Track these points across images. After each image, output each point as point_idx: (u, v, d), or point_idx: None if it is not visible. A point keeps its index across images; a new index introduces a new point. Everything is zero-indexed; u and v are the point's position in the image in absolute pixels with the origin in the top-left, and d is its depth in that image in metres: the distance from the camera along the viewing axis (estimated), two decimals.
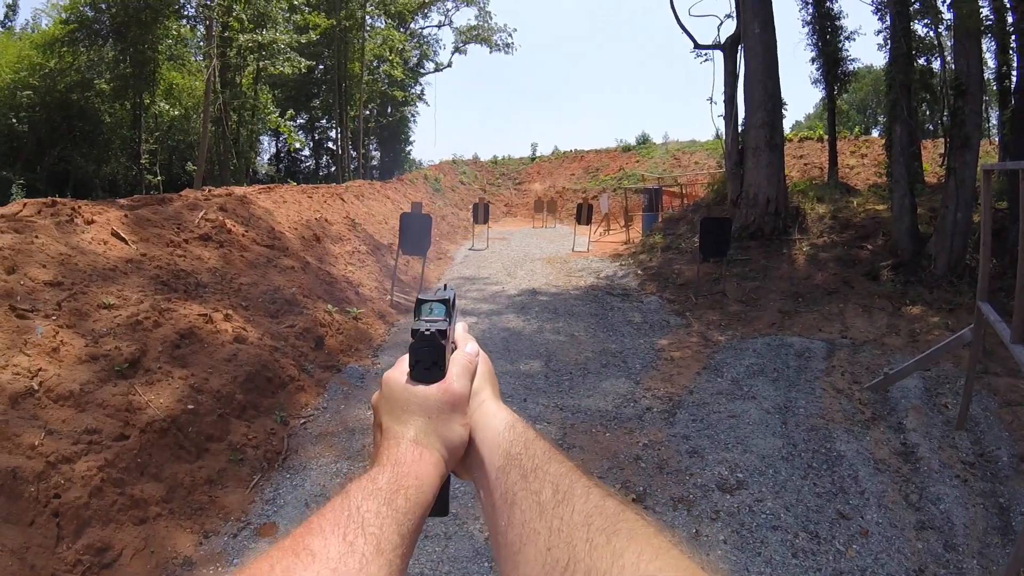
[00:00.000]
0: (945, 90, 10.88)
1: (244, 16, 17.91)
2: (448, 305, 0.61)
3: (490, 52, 32.71)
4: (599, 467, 4.00)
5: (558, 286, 10.10)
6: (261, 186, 11.17)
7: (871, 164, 17.28)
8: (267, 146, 32.36)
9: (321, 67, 27.32)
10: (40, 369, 3.38)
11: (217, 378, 4.30)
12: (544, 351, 6.44)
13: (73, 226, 5.01)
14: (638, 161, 27.81)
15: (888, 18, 9.58)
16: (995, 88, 11.05)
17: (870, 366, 5.69)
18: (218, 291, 5.66)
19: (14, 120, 18.32)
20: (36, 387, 3.26)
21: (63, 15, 18.39)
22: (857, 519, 3.38)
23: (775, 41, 10.66)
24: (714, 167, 20.58)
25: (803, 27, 14.68)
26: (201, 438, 3.79)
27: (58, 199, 5.33)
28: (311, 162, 35.07)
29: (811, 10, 14.28)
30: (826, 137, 16.82)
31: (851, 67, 14.38)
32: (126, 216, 5.78)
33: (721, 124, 12.55)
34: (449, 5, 31.93)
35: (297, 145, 30.76)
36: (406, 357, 0.58)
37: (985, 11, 9.03)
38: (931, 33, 11.27)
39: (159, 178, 20.63)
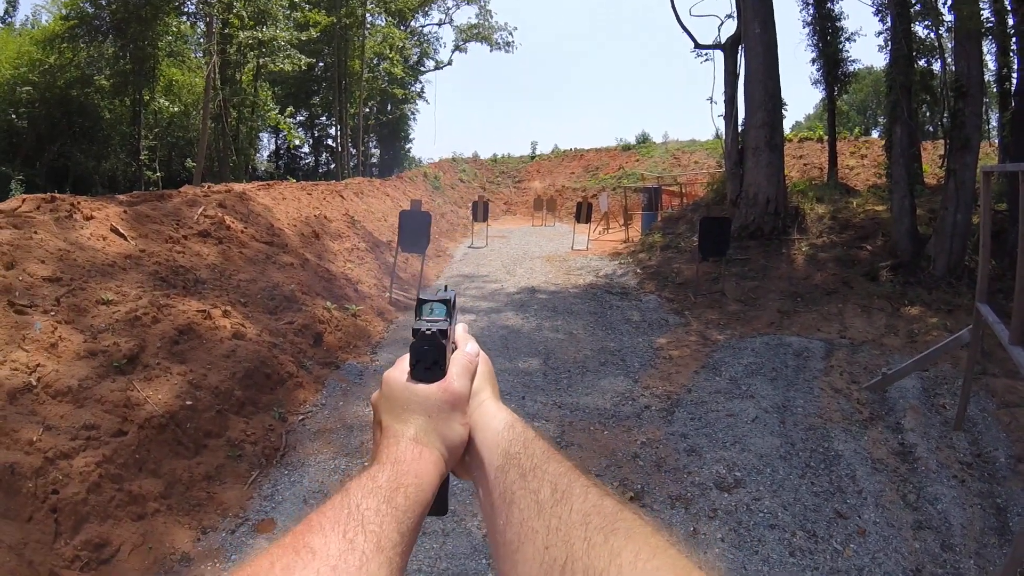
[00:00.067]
0: (945, 92, 10.88)
1: (244, 13, 17.88)
2: (449, 305, 0.61)
3: (490, 50, 32.74)
4: (597, 465, 4.01)
5: (557, 284, 10.10)
6: (260, 183, 11.17)
7: (871, 165, 17.29)
8: (267, 143, 32.35)
9: (321, 64, 27.26)
10: (38, 365, 3.38)
11: (216, 374, 4.30)
12: (543, 349, 6.44)
13: (72, 222, 5.01)
14: (638, 160, 27.80)
15: (889, 19, 9.59)
16: (995, 90, 11.07)
17: (868, 366, 5.70)
18: (217, 287, 5.65)
19: (14, 116, 18.27)
20: (34, 383, 3.26)
21: (63, 11, 18.35)
22: (854, 518, 3.39)
23: (775, 41, 10.66)
24: (714, 167, 20.58)
25: (803, 28, 14.72)
26: (199, 434, 3.79)
27: (57, 195, 5.32)
28: (310, 159, 35.03)
29: (812, 11, 14.29)
30: (826, 138, 16.83)
31: (851, 68, 14.40)
32: (125, 212, 5.78)
33: (721, 124, 12.55)
34: (450, 3, 31.95)
35: (297, 142, 30.81)
36: (406, 356, 0.58)
37: (986, 13, 9.04)
38: (932, 35, 11.28)
39: (158, 174, 20.61)
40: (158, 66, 19.97)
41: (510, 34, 32.31)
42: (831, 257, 8.94)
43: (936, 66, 11.70)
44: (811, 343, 6.46)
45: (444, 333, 0.57)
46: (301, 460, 4.03)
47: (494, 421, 0.56)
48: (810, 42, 14.73)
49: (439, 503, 0.55)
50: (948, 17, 9.58)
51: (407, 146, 38.56)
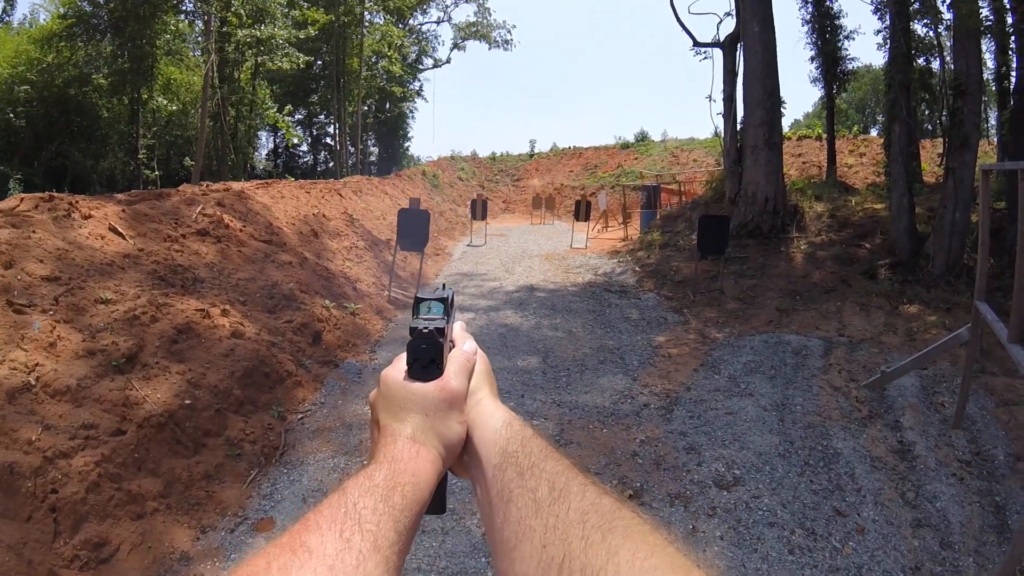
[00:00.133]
0: (944, 90, 10.89)
1: (243, 11, 17.85)
2: (447, 304, 0.61)
3: (489, 48, 32.72)
4: (596, 463, 4.01)
5: (556, 282, 10.10)
6: (259, 181, 11.16)
7: (869, 163, 17.30)
8: (265, 141, 32.33)
9: (319, 63, 27.21)
10: (37, 364, 3.37)
11: (214, 373, 4.29)
12: (542, 347, 6.44)
13: (70, 221, 5.00)
14: (636, 158, 27.82)
15: (888, 18, 9.57)
16: (994, 88, 11.06)
17: (867, 364, 5.71)
18: (215, 286, 5.65)
19: (12, 115, 18.23)
20: (33, 382, 3.26)
21: (61, 10, 18.31)
22: (853, 516, 3.40)
23: (774, 40, 10.65)
24: (712, 165, 20.58)
25: (802, 26, 14.67)
26: (198, 433, 3.79)
27: (55, 194, 5.32)
28: (309, 157, 34.98)
29: (811, 9, 14.26)
30: (825, 136, 16.82)
31: (850, 66, 14.37)
32: (123, 211, 5.77)
33: (720, 122, 12.55)
34: (448, 1, 31.92)
35: (295, 140, 30.76)
36: (404, 355, 0.58)
37: (985, 11, 9.03)
38: (931, 33, 11.27)
39: (157, 173, 20.56)
40: (156, 65, 19.92)
41: (509, 32, 32.32)
42: (830, 255, 8.94)
43: (935, 64, 11.70)
44: (810, 341, 6.46)
45: (442, 331, 0.57)
46: (300, 459, 4.02)
47: (492, 419, 0.55)
48: (809, 40, 14.71)
49: (437, 502, 0.55)
50: (947, 15, 9.60)
51: (406, 144, 38.56)
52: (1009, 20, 9.19)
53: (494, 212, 21.98)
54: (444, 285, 0.65)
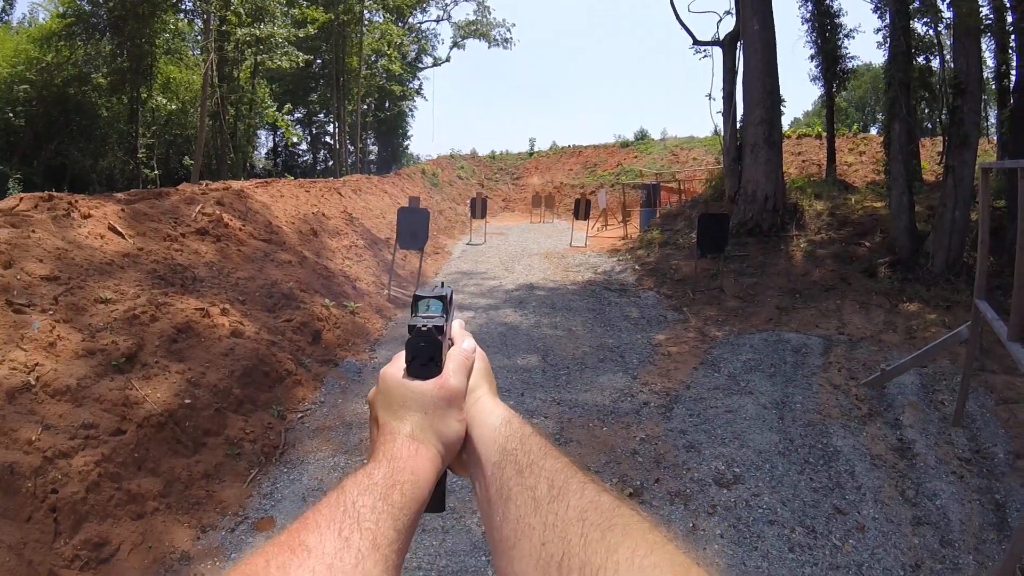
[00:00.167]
0: (944, 88, 10.87)
1: (242, 10, 17.83)
2: (445, 302, 0.61)
3: (488, 47, 32.75)
4: (596, 461, 4.01)
5: (556, 281, 10.10)
6: (258, 180, 11.15)
7: (869, 162, 17.30)
8: (264, 140, 32.32)
9: (319, 61, 27.21)
10: (37, 364, 3.37)
11: (214, 372, 4.29)
12: (541, 346, 6.44)
13: (70, 220, 5.00)
14: (636, 157, 27.81)
15: (887, 16, 9.56)
16: (994, 87, 11.04)
17: (867, 362, 5.71)
18: (215, 285, 5.65)
19: (11, 114, 18.21)
20: (33, 382, 3.25)
21: (60, 9, 18.28)
22: (853, 514, 3.40)
23: (774, 38, 10.64)
24: (712, 163, 20.58)
25: (802, 24, 14.66)
26: (198, 432, 3.79)
27: (55, 193, 5.31)
28: (308, 156, 34.99)
29: (810, 7, 14.25)
30: (824, 134, 16.82)
31: (850, 65, 14.35)
32: (123, 210, 5.77)
33: (720, 120, 12.55)
34: (448, 0, 31.85)
35: (294, 139, 30.73)
36: (403, 353, 0.58)
37: (985, 10, 9.01)
38: (930, 31, 11.25)
39: (156, 172, 20.54)
40: (155, 63, 19.91)
41: (508, 31, 32.28)
42: (829, 254, 8.94)
43: (935, 63, 11.68)
44: (809, 339, 6.46)
45: (440, 329, 0.57)
46: (300, 458, 4.02)
47: (491, 417, 0.55)
48: (809, 39, 14.70)
49: (436, 500, 0.55)
50: (947, 14, 9.58)
51: (405, 143, 38.59)
52: (1009, 19, 9.18)
53: (494, 211, 21.98)
54: (443, 283, 0.65)
